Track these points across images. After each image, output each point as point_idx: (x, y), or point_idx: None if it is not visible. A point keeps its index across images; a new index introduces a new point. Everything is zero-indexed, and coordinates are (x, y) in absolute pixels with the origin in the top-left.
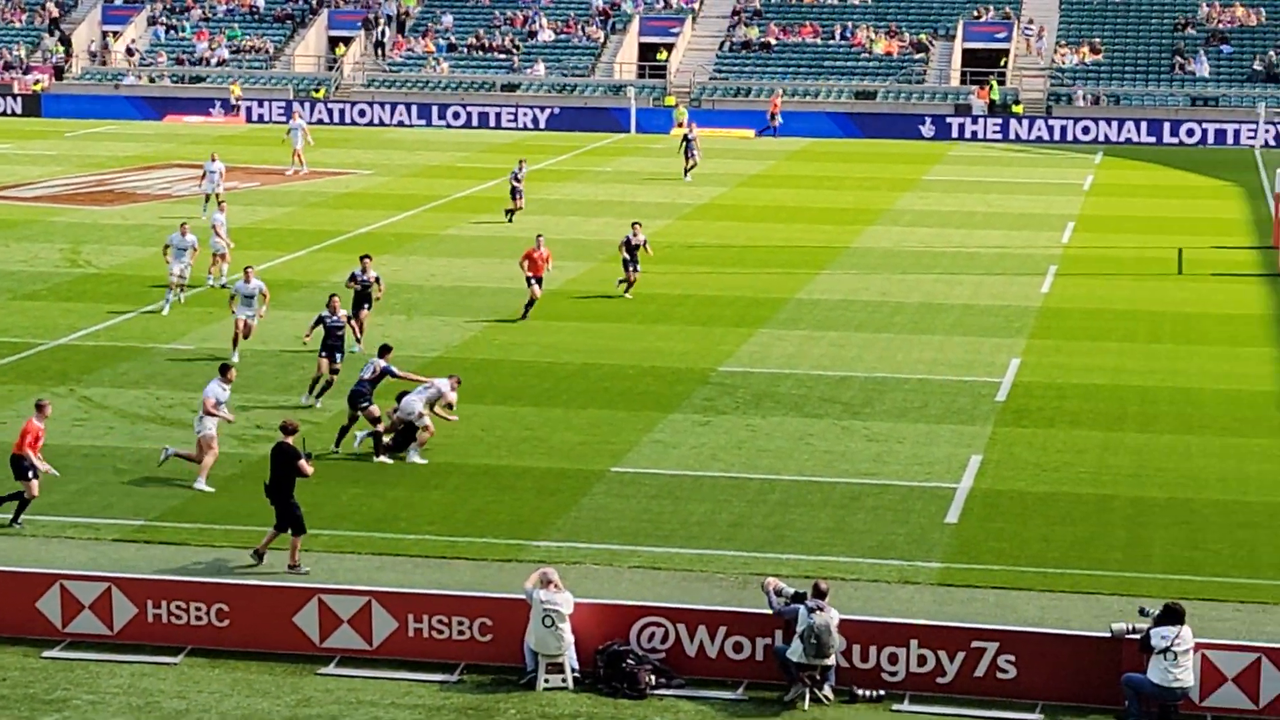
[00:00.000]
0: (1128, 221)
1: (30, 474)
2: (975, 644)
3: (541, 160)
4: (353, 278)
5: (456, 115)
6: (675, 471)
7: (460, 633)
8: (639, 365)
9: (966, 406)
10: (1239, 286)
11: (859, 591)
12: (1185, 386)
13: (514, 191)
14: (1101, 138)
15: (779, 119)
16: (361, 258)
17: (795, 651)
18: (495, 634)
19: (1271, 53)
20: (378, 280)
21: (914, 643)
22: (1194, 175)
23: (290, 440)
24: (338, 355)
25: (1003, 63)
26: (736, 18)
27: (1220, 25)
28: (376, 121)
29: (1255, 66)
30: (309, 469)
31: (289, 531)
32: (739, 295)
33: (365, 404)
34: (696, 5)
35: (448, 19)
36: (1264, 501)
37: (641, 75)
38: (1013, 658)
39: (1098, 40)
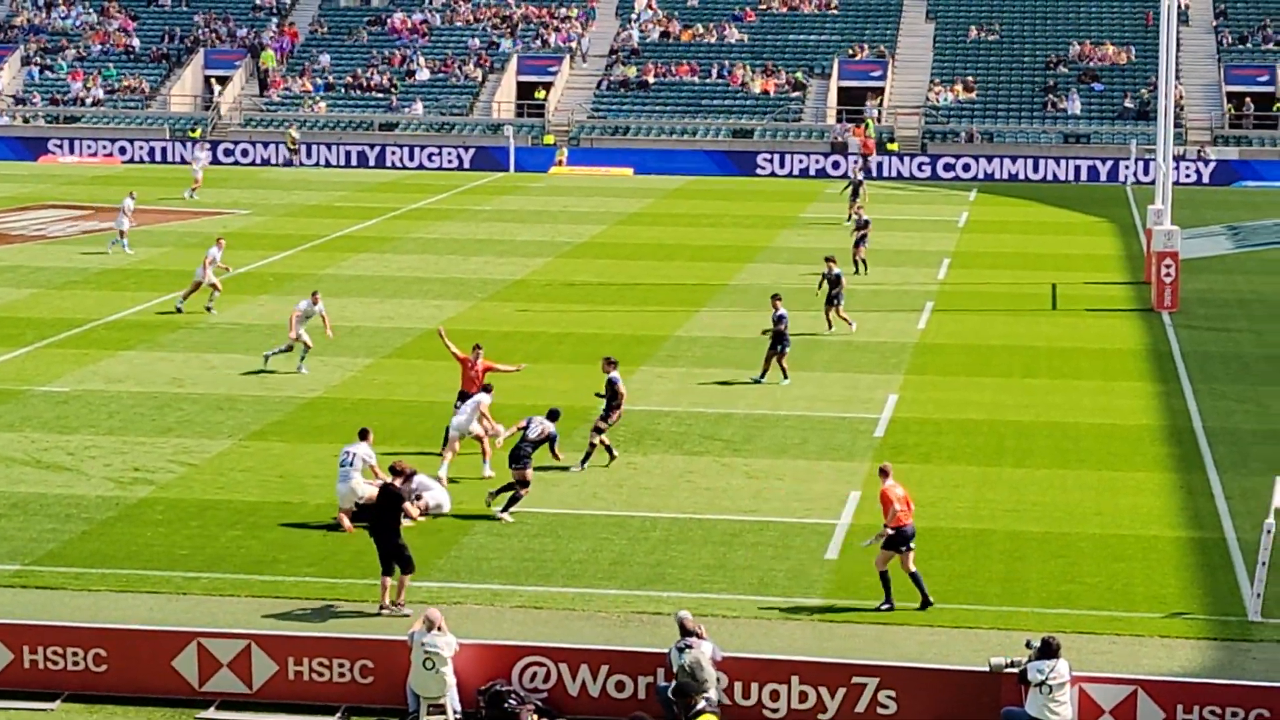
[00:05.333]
0: (1003, 258)
1: None
2: (856, 680)
3: (420, 199)
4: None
5: (335, 154)
6: (556, 510)
7: (341, 675)
8: (519, 404)
9: (845, 443)
10: (1112, 321)
11: (740, 628)
12: (1061, 421)
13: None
14: (976, 175)
15: (874, 157)
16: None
17: (674, 689)
18: (377, 676)
19: (1143, 90)
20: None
21: (795, 679)
22: (1067, 211)
23: (398, 483)
24: None
25: (879, 101)
26: (614, 56)
27: (1092, 63)
28: (258, 161)
29: (1126, 104)
30: (415, 512)
31: (398, 572)
32: (619, 333)
33: (523, 464)
34: (574, 44)
35: (325, 59)
36: (1138, 535)
37: (520, 114)
38: (893, 693)
39: (971, 78)
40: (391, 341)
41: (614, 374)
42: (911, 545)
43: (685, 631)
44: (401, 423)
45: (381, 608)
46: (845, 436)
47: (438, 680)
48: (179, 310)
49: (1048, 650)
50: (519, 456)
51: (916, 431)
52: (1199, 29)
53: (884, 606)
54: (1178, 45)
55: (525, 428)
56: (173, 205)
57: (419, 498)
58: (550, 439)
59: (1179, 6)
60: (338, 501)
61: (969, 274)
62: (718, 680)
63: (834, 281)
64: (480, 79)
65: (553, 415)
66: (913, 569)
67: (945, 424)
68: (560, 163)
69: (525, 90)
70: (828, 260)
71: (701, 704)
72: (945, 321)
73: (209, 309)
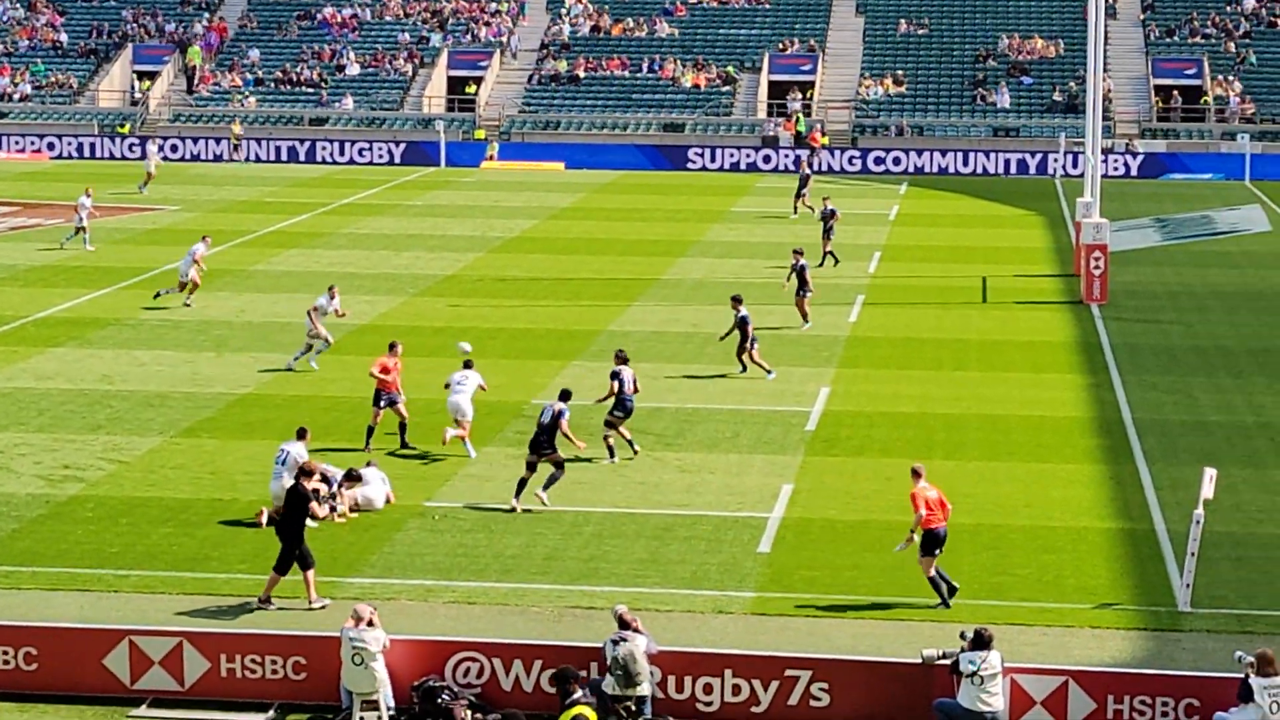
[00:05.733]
0: (933, 251)
1: None
2: (789, 672)
3: (351, 194)
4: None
5: (265, 149)
6: (490, 506)
7: (274, 672)
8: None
9: (777, 436)
10: (1042, 314)
11: (673, 622)
12: (991, 413)
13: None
14: (906, 168)
15: (822, 152)
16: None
17: (608, 684)
18: (310, 672)
19: (1071, 83)
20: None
21: (728, 672)
22: (997, 205)
23: (306, 483)
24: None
25: (809, 94)
26: (545, 51)
27: (1021, 57)
28: (188, 156)
29: (1055, 97)
30: (321, 512)
31: (303, 569)
32: (551, 328)
33: (549, 450)
34: (505, 38)
35: (254, 54)
36: (1068, 526)
37: (451, 109)
38: (826, 685)
39: (901, 72)
40: None
41: (618, 368)
42: (943, 548)
43: (622, 625)
44: (334, 419)
45: (260, 600)
46: (777, 430)
47: (368, 676)
48: (188, 305)
49: (980, 641)
50: (538, 445)
51: (849, 425)
52: (1126, 22)
53: (940, 606)
54: (1106, 39)
55: (540, 416)
56: (110, 201)
57: (335, 496)
58: (559, 416)
59: (1107, 0)
60: (270, 500)
61: (900, 267)
62: (651, 674)
63: (800, 273)
64: (411, 74)
65: (564, 396)
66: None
67: (877, 417)
68: (491, 158)
69: (456, 85)
70: (796, 253)
71: (578, 694)
72: (876, 315)
73: (187, 304)
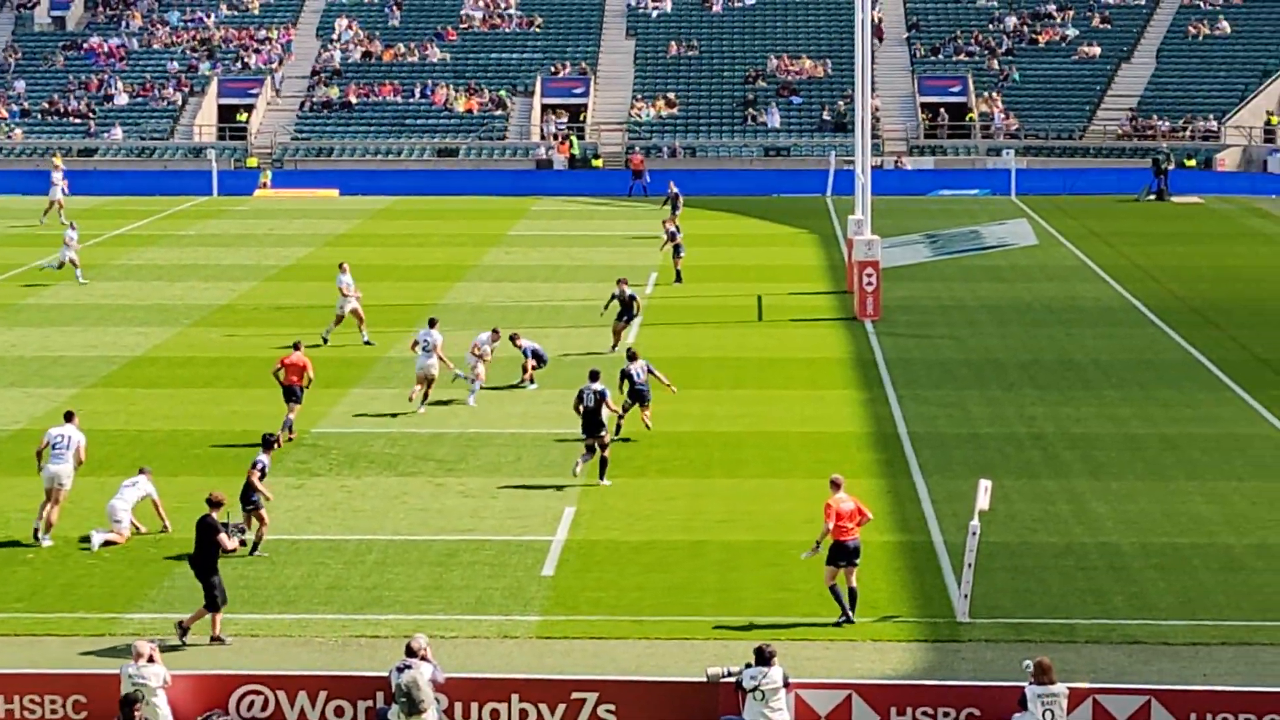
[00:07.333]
0: (709, 271)
1: None
2: (575, 695)
3: (122, 225)
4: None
5: (33, 181)
6: (270, 536)
7: (54, 711)
8: (230, 429)
9: (558, 459)
10: (817, 331)
11: (459, 648)
12: (770, 431)
13: None
14: (680, 189)
15: (646, 175)
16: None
17: (393, 712)
18: (90, 712)
19: (839, 102)
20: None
21: (515, 697)
22: (770, 223)
23: (214, 514)
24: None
25: (581, 117)
26: (316, 78)
27: (789, 77)
28: None
29: (824, 116)
30: (230, 544)
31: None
32: (329, 356)
33: (600, 431)
34: (275, 66)
35: (20, 85)
36: None
37: (222, 137)
38: (613, 707)
39: (673, 94)
40: (97, 370)
41: (628, 365)
42: (855, 561)
43: (409, 653)
44: (109, 452)
45: (212, 638)
46: (559, 453)
47: (150, 711)
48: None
49: (761, 657)
50: (592, 426)
51: (629, 446)
52: (892, 41)
53: (840, 621)
54: (872, 58)
55: (581, 400)
56: None
57: (242, 529)
58: (601, 395)
59: (873, 20)
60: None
61: (676, 288)
62: (438, 700)
63: (626, 302)
64: (181, 102)
65: (593, 376)
66: (853, 584)
67: (658, 436)
68: (265, 185)
69: (227, 113)
70: (619, 282)
71: None
72: (654, 335)
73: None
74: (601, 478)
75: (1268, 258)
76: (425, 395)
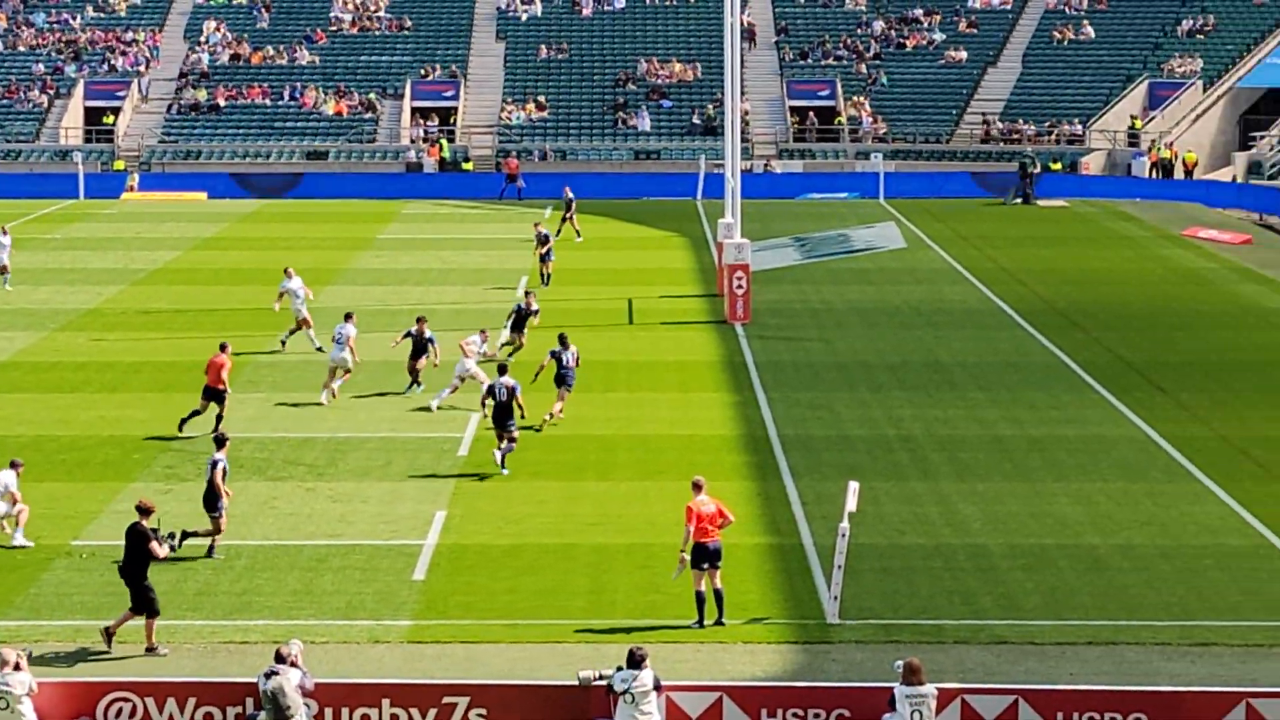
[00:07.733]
0: (580, 274)
1: None
2: (446, 700)
3: None
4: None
5: None
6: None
7: None
8: (97, 435)
9: (429, 463)
10: (688, 334)
11: (329, 654)
12: (642, 434)
13: None
14: (550, 192)
15: (521, 180)
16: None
17: (262, 718)
18: None
19: (709, 106)
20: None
21: (386, 702)
22: (641, 227)
23: (144, 521)
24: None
25: (452, 120)
26: (184, 80)
27: (660, 80)
28: None
29: (694, 120)
30: (161, 551)
31: (144, 615)
32: (198, 360)
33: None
34: (142, 68)
35: None
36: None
37: (89, 140)
38: (484, 711)
39: (543, 97)
40: None
41: (560, 350)
42: (717, 563)
43: (278, 659)
44: None
45: (147, 648)
46: (429, 457)
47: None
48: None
49: (632, 660)
50: (502, 419)
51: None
52: (762, 45)
53: (695, 624)
54: (742, 62)
55: (492, 394)
56: None
57: (173, 536)
58: (512, 390)
59: (742, 24)
60: None
61: (547, 290)
62: (307, 706)
63: (522, 312)
64: (46, 105)
65: (502, 370)
66: (718, 586)
67: (529, 440)
68: (132, 189)
69: (93, 116)
70: (528, 294)
71: None
72: (525, 339)
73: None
74: (502, 466)
75: (1132, 261)
76: (329, 386)
